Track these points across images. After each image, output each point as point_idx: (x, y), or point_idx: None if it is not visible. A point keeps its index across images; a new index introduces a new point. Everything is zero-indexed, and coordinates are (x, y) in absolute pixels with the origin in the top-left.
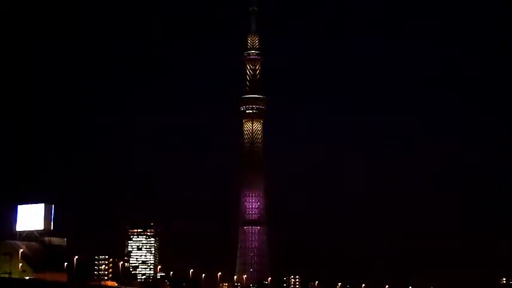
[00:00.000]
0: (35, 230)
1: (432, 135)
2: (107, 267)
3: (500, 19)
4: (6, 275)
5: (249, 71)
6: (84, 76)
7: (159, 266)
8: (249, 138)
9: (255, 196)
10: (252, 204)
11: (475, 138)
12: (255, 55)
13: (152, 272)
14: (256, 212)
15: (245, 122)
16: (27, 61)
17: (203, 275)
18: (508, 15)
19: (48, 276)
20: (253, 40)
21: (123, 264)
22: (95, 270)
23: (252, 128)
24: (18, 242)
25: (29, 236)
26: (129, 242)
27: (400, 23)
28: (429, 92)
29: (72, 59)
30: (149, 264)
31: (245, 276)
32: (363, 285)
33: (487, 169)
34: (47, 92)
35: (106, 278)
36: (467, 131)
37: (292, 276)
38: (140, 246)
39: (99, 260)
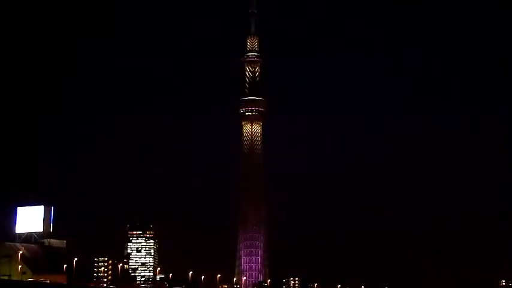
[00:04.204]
0: (35, 232)
1: (432, 136)
2: (106, 269)
3: (500, 19)
4: (6, 277)
5: (248, 73)
6: (84, 76)
7: (159, 268)
8: (248, 140)
9: (254, 198)
10: (252, 206)
11: (474, 138)
12: (254, 57)
13: (152, 274)
14: (256, 214)
15: (244, 124)
16: (27, 61)
17: (203, 276)
18: (507, 16)
19: (48, 278)
20: (252, 42)
21: (122, 266)
22: (95, 272)
23: (252, 130)
24: (17, 244)
25: (28, 238)
26: (128, 244)
27: (401, 24)
28: (430, 92)
29: (72, 58)
30: (149, 266)
31: (244, 278)
32: (362, 287)
33: (486, 169)
34: (47, 92)
35: (105, 280)
36: (467, 131)
37: (291, 278)
38: (140, 248)
39: (98, 262)
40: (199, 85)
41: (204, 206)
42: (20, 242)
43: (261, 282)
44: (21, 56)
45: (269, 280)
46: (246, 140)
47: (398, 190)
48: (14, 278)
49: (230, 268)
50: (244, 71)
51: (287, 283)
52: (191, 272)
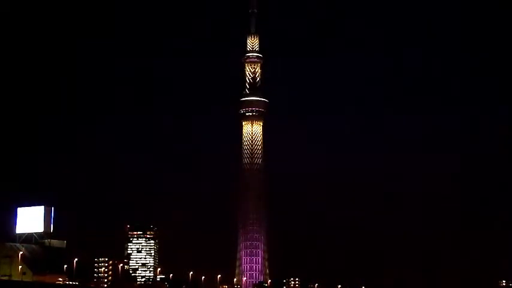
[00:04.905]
0: (35, 232)
1: (432, 136)
2: (106, 270)
3: (500, 19)
4: (6, 277)
5: (248, 73)
6: (83, 76)
7: (159, 268)
8: (248, 140)
9: (254, 199)
10: (252, 206)
11: (474, 138)
12: (254, 57)
13: (152, 274)
14: (256, 214)
15: (245, 124)
16: (27, 61)
17: (203, 277)
18: (507, 16)
19: (48, 279)
20: (252, 42)
21: (122, 267)
22: (95, 272)
23: (252, 130)
24: (17, 245)
25: (28, 238)
26: (128, 244)
27: (401, 24)
28: (430, 92)
29: (72, 58)
30: (149, 266)
31: (245, 278)
32: (363, 287)
33: (486, 169)
34: (47, 92)
35: (106, 280)
36: (467, 131)
37: (292, 279)
38: (140, 249)
39: (98, 262)
40: (199, 85)
41: (204, 206)
42: (20, 243)
43: (261, 283)
44: (21, 56)
45: (269, 280)
46: (246, 140)
47: (398, 190)
48: (15, 278)
49: (230, 268)
50: (244, 71)
51: (287, 283)
52: (191, 272)
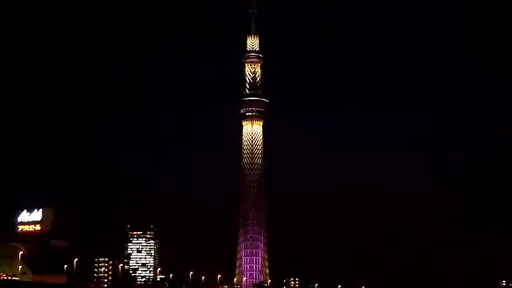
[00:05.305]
0: (35, 232)
1: (432, 136)
2: (106, 270)
3: (500, 19)
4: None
5: (248, 73)
6: (83, 76)
7: (159, 268)
8: (248, 140)
9: (254, 199)
10: (252, 206)
11: (474, 138)
12: (254, 57)
13: (152, 274)
14: (256, 214)
15: (245, 124)
16: (27, 61)
17: (203, 277)
18: (507, 16)
19: (48, 279)
20: (252, 42)
21: (123, 267)
22: (95, 272)
23: (252, 130)
24: (18, 244)
25: (29, 238)
26: (129, 244)
27: (401, 24)
28: (430, 92)
29: (72, 58)
30: (149, 266)
31: (245, 278)
32: (363, 287)
33: (486, 169)
34: (47, 92)
35: (106, 280)
36: (467, 131)
37: (291, 278)
38: (140, 249)
39: (99, 262)
40: (199, 85)
41: (204, 206)
42: (21, 243)
43: (261, 283)
44: (21, 56)
45: (269, 280)
46: (246, 140)
47: (398, 190)
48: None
49: (230, 268)
50: (244, 71)
51: (287, 283)
52: (191, 273)
